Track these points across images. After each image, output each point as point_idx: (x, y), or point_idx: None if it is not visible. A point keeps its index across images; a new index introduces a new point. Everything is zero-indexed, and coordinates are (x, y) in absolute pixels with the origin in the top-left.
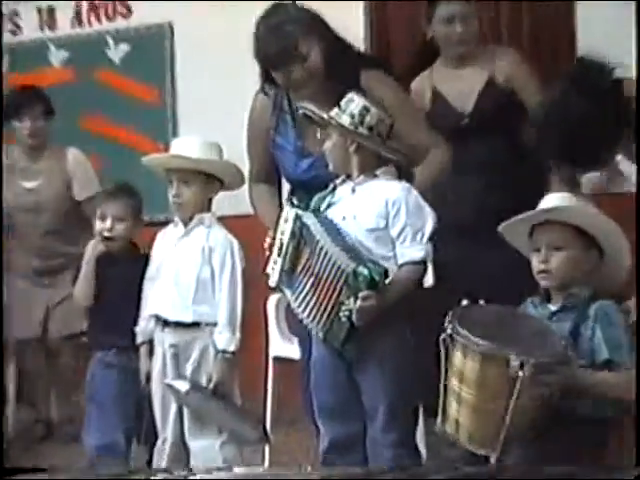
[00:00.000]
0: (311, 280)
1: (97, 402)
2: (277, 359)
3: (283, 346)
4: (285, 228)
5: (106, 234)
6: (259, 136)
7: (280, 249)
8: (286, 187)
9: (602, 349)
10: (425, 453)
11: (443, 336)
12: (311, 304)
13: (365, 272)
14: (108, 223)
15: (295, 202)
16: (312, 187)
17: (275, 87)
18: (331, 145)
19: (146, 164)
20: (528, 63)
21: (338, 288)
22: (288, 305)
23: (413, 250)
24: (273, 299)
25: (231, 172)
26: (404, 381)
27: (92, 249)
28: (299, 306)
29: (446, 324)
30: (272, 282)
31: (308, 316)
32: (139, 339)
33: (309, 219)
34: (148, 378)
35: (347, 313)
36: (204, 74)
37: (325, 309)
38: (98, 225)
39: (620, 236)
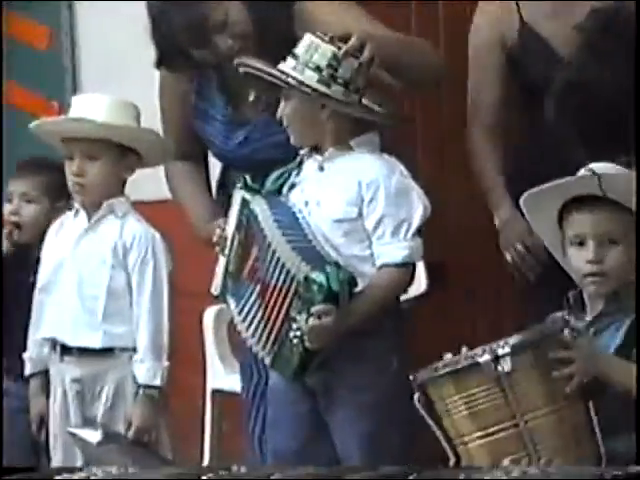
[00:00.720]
0: (258, 287)
1: None
2: (218, 392)
3: (225, 376)
4: (231, 217)
5: (12, 218)
6: (174, 100)
7: (224, 245)
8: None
9: None
10: None
11: (416, 396)
12: (256, 320)
13: (320, 279)
14: (14, 204)
15: (248, 181)
16: (251, 165)
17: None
18: (291, 111)
19: (35, 131)
20: None
21: (288, 300)
22: (231, 320)
23: (394, 248)
24: (211, 312)
25: (151, 141)
26: (385, 426)
27: None
28: (243, 321)
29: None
30: (214, 288)
31: (253, 335)
32: (28, 370)
33: (258, 205)
34: (42, 423)
35: (298, 333)
36: (115, 10)
37: (273, 327)
38: (5, 209)
39: None
